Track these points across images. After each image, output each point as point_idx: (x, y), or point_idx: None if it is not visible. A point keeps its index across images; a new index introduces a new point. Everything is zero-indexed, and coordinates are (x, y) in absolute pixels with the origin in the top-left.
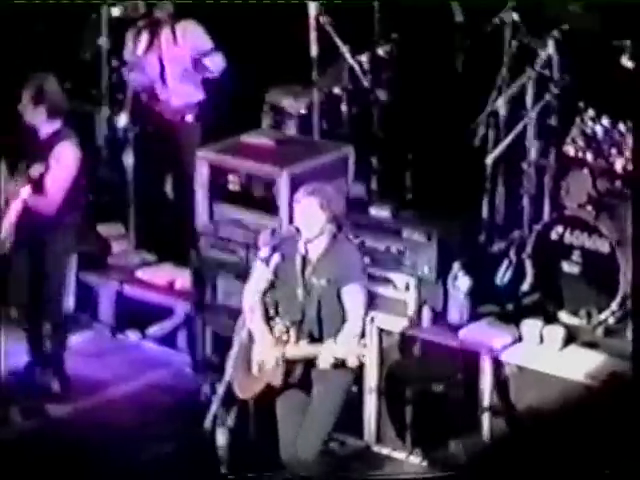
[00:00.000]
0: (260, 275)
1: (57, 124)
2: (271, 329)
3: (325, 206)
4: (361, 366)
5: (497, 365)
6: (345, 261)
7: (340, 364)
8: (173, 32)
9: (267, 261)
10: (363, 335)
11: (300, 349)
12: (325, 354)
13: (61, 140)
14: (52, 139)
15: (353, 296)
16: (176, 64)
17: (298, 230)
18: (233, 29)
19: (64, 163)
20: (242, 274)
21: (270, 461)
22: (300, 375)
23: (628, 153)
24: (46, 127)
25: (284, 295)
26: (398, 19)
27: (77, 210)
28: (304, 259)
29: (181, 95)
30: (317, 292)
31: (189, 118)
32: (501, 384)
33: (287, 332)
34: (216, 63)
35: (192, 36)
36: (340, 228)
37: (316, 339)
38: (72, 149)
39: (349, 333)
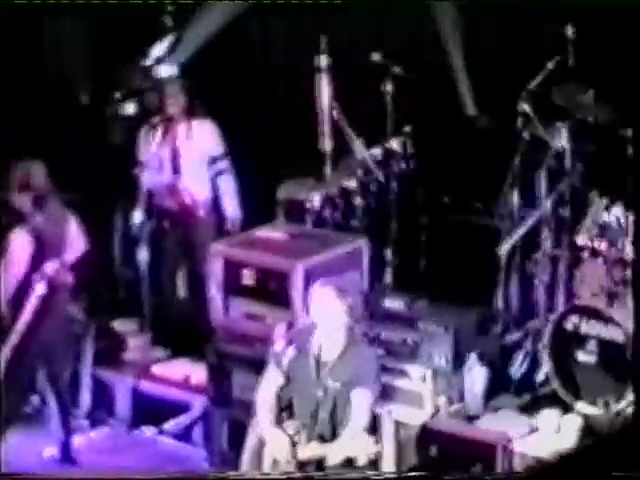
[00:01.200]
0: (273, 375)
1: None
2: (283, 428)
3: (342, 297)
4: (375, 462)
5: (513, 456)
6: (361, 366)
7: (349, 463)
8: (189, 128)
9: (279, 360)
10: (374, 432)
11: (311, 450)
12: (334, 453)
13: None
14: None
15: (360, 398)
16: (190, 160)
17: (314, 323)
18: (246, 122)
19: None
20: (258, 368)
21: None
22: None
23: None
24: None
25: (298, 393)
26: (410, 112)
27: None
28: (319, 357)
29: (195, 191)
30: (332, 394)
31: (202, 213)
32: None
33: (298, 433)
34: (226, 168)
35: (208, 135)
36: (357, 322)
37: (327, 440)
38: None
39: (353, 428)
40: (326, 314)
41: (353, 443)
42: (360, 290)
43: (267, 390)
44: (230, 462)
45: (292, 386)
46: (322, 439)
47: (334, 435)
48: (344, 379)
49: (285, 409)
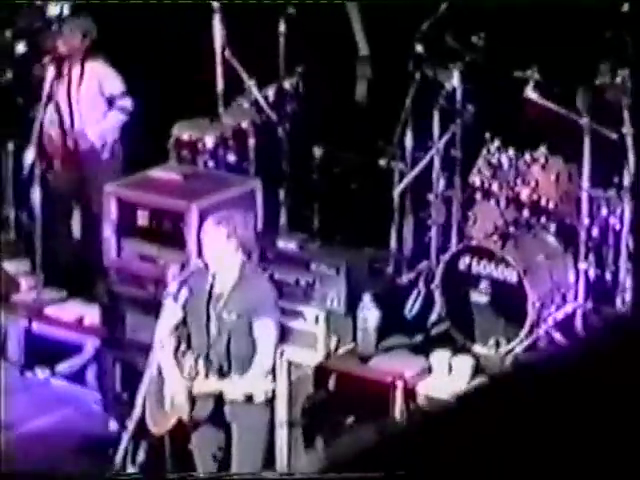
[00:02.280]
0: (170, 311)
1: None
2: (180, 364)
3: (232, 235)
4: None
5: (407, 395)
6: (256, 295)
7: (248, 399)
8: (82, 67)
9: (176, 296)
10: (273, 369)
11: (208, 384)
12: (231, 389)
13: None
14: None
15: (264, 331)
16: (84, 101)
17: (206, 264)
18: (140, 63)
19: None
20: (151, 309)
21: None
22: (212, 411)
23: (534, 183)
24: None
25: (195, 329)
26: (303, 51)
27: None
28: (212, 293)
29: (89, 131)
30: (227, 327)
31: (96, 154)
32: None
33: (196, 367)
34: (125, 106)
35: (101, 76)
36: (249, 257)
37: (225, 374)
38: None
39: (259, 368)
40: (216, 252)
41: (251, 380)
42: (252, 228)
43: (164, 327)
44: (123, 403)
45: (189, 324)
46: (220, 373)
47: (230, 367)
48: (240, 310)
49: (184, 346)
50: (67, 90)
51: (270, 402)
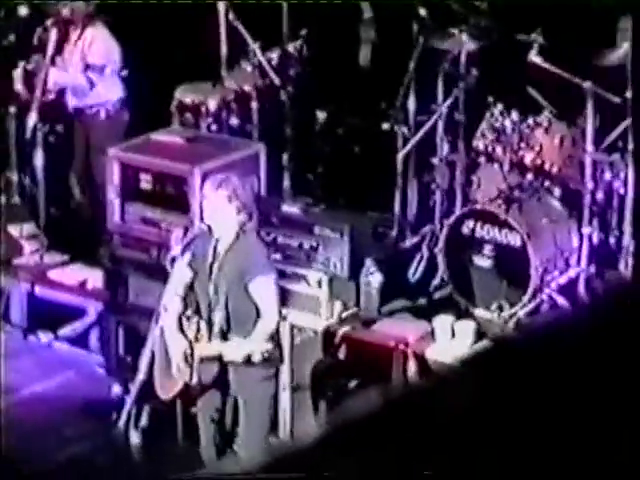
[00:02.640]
0: (179, 273)
1: None
2: (185, 328)
3: (233, 198)
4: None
5: (411, 359)
6: (248, 255)
7: (247, 361)
8: (81, 34)
9: (179, 260)
10: (277, 332)
11: (210, 347)
12: (229, 351)
13: None
14: None
15: (262, 291)
16: (84, 65)
17: (210, 227)
18: (142, 27)
19: None
20: (154, 273)
21: (190, 462)
22: (217, 374)
23: (537, 147)
24: None
25: (200, 293)
26: (306, 16)
27: None
28: (215, 256)
29: (90, 94)
30: (223, 288)
31: (98, 117)
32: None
33: (199, 330)
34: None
35: (101, 43)
36: (250, 218)
37: (226, 336)
38: None
39: (263, 330)
40: (217, 216)
41: (248, 342)
42: (256, 195)
43: (172, 290)
44: (126, 367)
45: (196, 288)
46: (222, 335)
47: (230, 329)
48: (233, 271)
49: (191, 311)
50: (68, 53)
51: (268, 361)
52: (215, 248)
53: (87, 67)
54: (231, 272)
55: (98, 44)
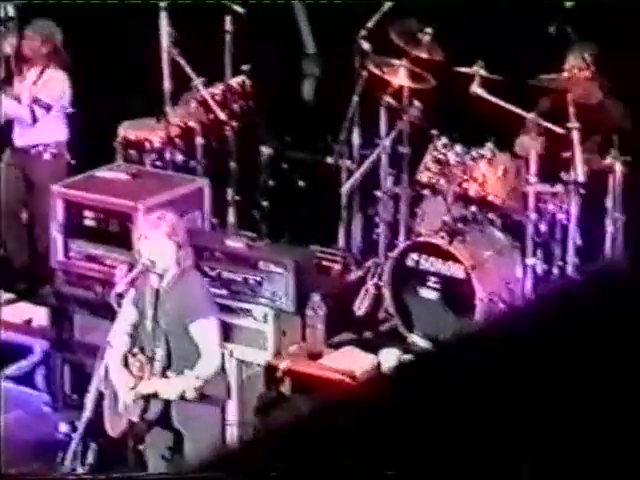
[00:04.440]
0: (124, 311)
1: None
2: (130, 365)
3: (172, 235)
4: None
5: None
6: (189, 294)
7: (182, 397)
8: (40, 74)
9: (124, 297)
10: (223, 369)
11: (149, 385)
12: (163, 389)
13: None
14: None
15: (203, 333)
16: (32, 99)
17: (152, 262)
18: (87, 61)
19: None
20: (99, 310)
21: None
22: (160, 412)
23: (481, 179)
24: None
25: (143, 330)
26: (249, 50)
27: None
28: (157, 292)
29: (34, 131)
30: (163, 326)
31: (41, 156)
32: None
33: (142, 368)
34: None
35: (55, 85)
36: (188, 254)
37: (166, 374)
38: None
39: (201, 370)
40: (159, 255)
41: (179, 378)
42: (202, 230)
43: (118, 327)
44: (72, 406)
45: (139, 325)
46: (164, 373)
47: (170, 368)
48: (173, 310)
49: (137, 348)
50: (20, 89)
51: (204, 397)
52: (157, 285)
53: (35, 101)
54: (172, 311)
55: (52, 85)
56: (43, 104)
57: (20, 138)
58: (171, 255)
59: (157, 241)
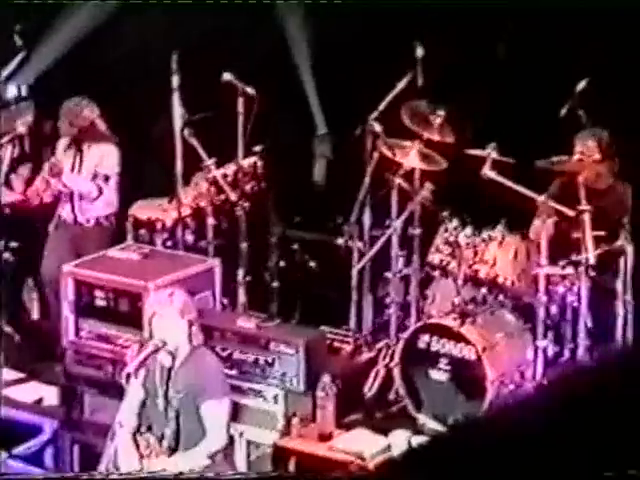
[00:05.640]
0: (133, 391)
1: None
2: (138, 444)
3: (185, 312)
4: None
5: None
6: (202, 373)
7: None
8: (88, 149)
9: (137, 376)
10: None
11: (155, 464)
12: (170, 467)
13: None
14: None
15: (212, 414)
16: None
17: (164, 342)
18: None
19: None
20: (109, 390)
21: None
22: None
23: (491, 261)
24: None
25: (152, 408)
26: (262, 130)
27: None
28: (169, 371)
29: (96, 205)
30: (175, 405)
31: (101, 226)
32: None
33: (149, 446)
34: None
35: (110, 157)
36: (199, 332)
37: (173, 452)
38: None
39: (205, 450)
40: (170, 333)
41: (185, 456)
42: (213, 310)
43: (127, 407)
44: None
45: (149, 403)
46: (171, 451)
47: (178, 447)
48: (185, 389)
49: (145, 427)
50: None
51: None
52: (169, 363)
53: (95, 176)
54: (185, 389)
55: (107, 158)
56: (102, 177)
57: (81, 212)
58: (183, 332)
59: (169, 318)
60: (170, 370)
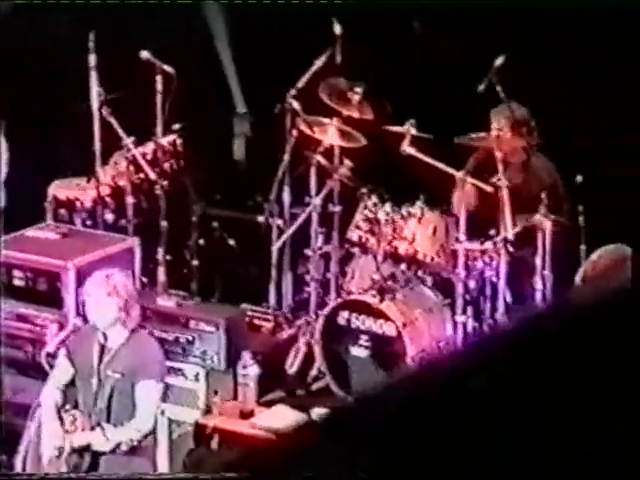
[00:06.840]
0: (58, 369)
1: None
2: (62, 420)
3: (113, 294)
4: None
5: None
6: (141, 356)
7: (113, 450)
8: None
9: (55, 355)
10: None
11: (81, 437)
12: (98, 440)
13: None
14: None
15: (144, 393)
16: None
17: (94, 323)
18: (17, 119)
19: None
20: (29, 370)
21: None
22: (88, 466)
23: (410, 237)
24: None
25: (82, 387)
26: (180, 108)
27: None
28: (104, 351)
29: None
30: (110, 383)
31: None
32: None
33: (75, 422)
34: None
35: None
36: (131, 313)
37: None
38: None
39: (134, 428)
40: (99, 312)
41: (115, 431)
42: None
43: (51, 385)
44: (2, 466)
45: (77, 382)
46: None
47: (109, 422)
48: (123, 369)
49: (71, 405)
50: None
51: (134, 451)
52: (102, 343)
53: None
54: (123, 369)
55: None
56: None
57: None
58: (112, 314)
59: (98, 299)
60: (103, 349)
